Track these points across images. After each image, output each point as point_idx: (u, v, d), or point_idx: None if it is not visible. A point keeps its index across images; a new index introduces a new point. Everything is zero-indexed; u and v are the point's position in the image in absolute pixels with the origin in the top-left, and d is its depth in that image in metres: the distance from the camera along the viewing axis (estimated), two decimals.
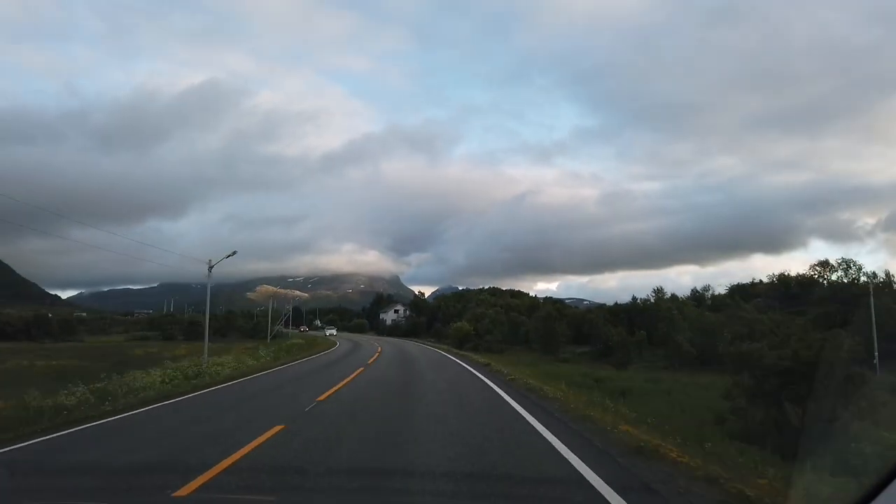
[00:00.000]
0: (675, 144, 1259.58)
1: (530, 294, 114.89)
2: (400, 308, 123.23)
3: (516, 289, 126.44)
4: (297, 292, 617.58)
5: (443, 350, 48.01)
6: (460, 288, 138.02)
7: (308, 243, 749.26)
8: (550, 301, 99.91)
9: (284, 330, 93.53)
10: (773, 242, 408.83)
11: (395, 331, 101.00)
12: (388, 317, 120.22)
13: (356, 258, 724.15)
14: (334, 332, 77.93)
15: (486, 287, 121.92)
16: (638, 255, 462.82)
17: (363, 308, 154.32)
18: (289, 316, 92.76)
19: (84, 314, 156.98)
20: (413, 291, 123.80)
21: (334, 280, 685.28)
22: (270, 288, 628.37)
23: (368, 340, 65.29)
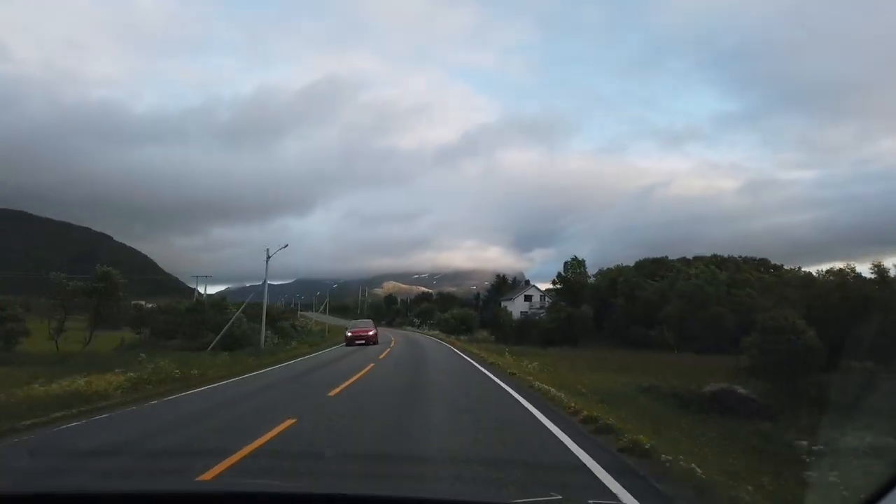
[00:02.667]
0: (831, 128, 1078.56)
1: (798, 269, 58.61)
2: (534, 293, 73.91)
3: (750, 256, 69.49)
4: (423, 288, 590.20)
5: None
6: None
7: (430, 239, 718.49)
8: None
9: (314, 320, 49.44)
10: None
11: (526, 332, 51.56)
12: (516, 307, 71.02)
13: (478, 255, 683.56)
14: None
15: (690, 257, 67.47)
16: (785, 250, 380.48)
17: (477, 297, 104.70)
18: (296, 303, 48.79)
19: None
20: (538, 289, 73.08)
21: (457, 276, 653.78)
22: (396, 284, 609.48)
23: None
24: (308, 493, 2.26)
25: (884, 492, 1.80)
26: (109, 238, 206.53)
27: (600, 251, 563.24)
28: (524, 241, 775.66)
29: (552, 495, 2.56)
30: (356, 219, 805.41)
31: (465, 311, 72.08)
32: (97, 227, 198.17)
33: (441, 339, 46.64)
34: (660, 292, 47.66)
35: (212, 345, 30.73)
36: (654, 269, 57.13)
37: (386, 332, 57.58)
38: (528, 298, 74.44)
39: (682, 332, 42.41)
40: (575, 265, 63.18)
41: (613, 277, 56.62)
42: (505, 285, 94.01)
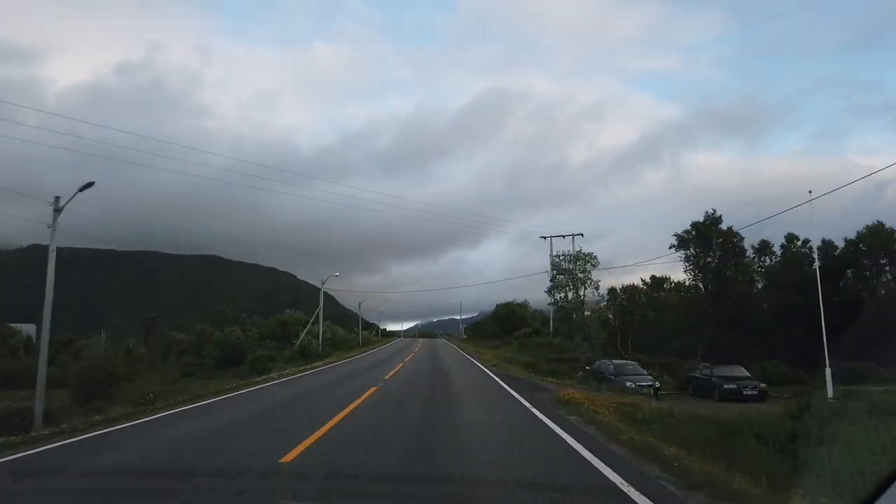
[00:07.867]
0: None
1: None
2: None
3: None
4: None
5: None
6: None
7: (610, 261, 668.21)
8: None
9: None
10: None
11: None
12: None
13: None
14: None
15: None
16: None
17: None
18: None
19: None
20: None
21: None
22: None
23: None
24: None
25: (879, 492, 1.68)
26: (293, 276, 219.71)
27: None
28: None
29: None
30: (528, 244, 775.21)
31: None
32: (282, 267, 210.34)
33: None
34: None
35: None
36: None
37: None
38: None
39: None
40: None
41: None
42: None
